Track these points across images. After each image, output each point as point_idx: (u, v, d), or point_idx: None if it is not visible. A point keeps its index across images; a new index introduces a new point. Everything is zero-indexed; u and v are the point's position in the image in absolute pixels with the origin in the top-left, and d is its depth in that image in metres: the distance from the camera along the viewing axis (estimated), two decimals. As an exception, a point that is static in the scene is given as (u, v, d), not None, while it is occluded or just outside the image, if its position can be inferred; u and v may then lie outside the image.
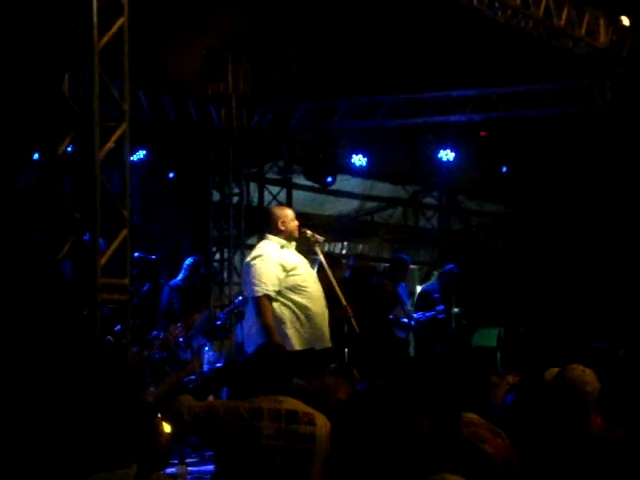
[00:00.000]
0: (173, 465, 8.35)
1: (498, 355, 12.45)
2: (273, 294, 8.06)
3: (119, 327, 7.89)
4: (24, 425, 2.04)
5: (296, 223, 8.42)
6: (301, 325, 8.17)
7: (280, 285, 8.11)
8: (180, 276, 11.85)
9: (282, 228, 8.29)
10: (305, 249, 8.69)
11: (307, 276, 8.33)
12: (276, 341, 7.84)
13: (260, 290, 8.02)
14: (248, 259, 8.43)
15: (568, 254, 16.35)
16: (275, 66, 15.17)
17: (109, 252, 7.34)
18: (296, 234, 8.38)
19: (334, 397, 5.66)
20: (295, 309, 8.16)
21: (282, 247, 8.29)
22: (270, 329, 7.96)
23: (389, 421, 3.43)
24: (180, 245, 14.64)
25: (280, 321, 8.10)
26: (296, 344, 8.05)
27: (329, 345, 8.41)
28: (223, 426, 4.93)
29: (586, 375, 5.21)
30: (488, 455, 3.88)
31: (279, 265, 8.13)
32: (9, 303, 8.34)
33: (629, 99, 12.90)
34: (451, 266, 13.02)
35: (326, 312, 8.39)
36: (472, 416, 4.24)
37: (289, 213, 8.50)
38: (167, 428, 8.15)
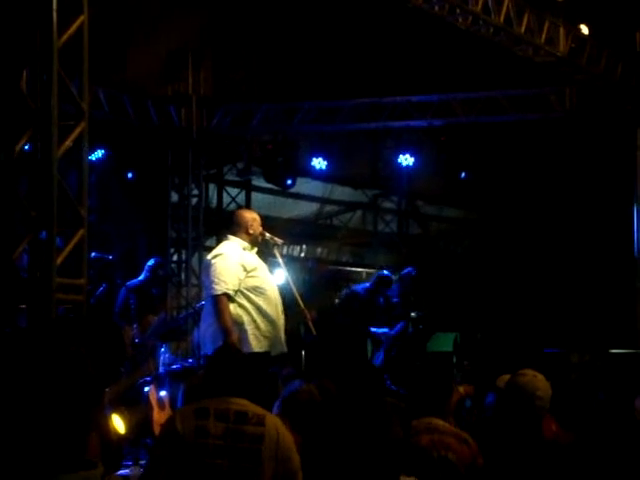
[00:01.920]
0: (127, 467, 8.32)
1: (454, 360, 12.52)
2: (232, 293, 8.06)
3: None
4: None
5: (260, 225, 8.44)
6: (257, 327, 8.16)
7: (239, 285, 8.11)
8: (141, 277, 11.79)
9: (251, 232, 8.31)
10: (264, 251, 8.68)
11: (266, 279, 8.34)
12: (233, 341, 7.83)
13: (219, 289, 8.02)
14: (208, 257, 8.45)
15: (524, 261, 16.47)
16: (236, 67, 15.15)
17: (66, 251, 7.27)
18: (259, 238, 8.39)
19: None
20: (252, 311, 8.16)
21: (244, 249, 8.29)
22: (228, 328, 7.95)
23: (359, 425, 3.43)
24: (136, 246, 14.57)
25: (237, 322, 8.09)
26: (253, 346, 8.04)
27: (285, 349, 8.42)
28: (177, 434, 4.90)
29: (537, 380, 5.24)
30: (451, 462, 3.89)
31: (240, 265, 8.14)
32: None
33: (588, 107, 13.02)
34: (409, 270, 13.08)
35: (282, 316, 8.40)
36: (437, 422, 4.25)
37: (254, 216, 8.52)
38: (120, 429, 8.11)
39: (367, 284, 13.14)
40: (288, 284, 8.73)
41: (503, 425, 5.01)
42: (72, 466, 2.02)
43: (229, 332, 7.94)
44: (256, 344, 8.06)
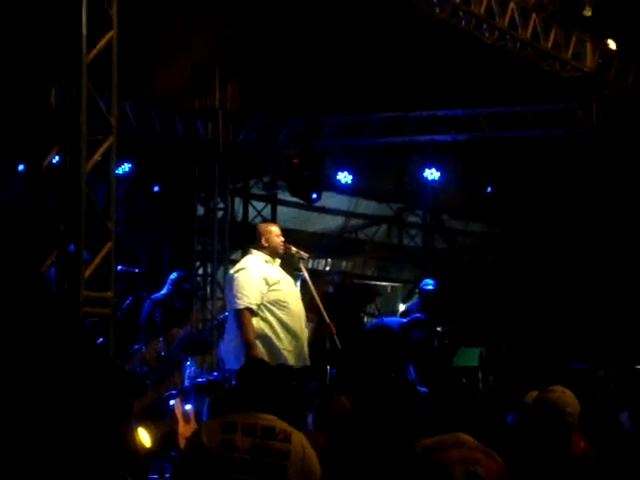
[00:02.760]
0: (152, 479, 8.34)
1: (479, 375, 12.47)
2: (255, 307, 8.07)
3: (101, 340, 7.86)
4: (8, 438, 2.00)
5: (281, 239, 8.45)
6: (280, 341, 8.17)
7: (262, 299, 8.13)
8: (164, 290, 11.82)
9: (265, 244, 8.35)
10: (290, 265, 8.70)
11: (289, 293, 8.35)
12: (255, 355, 7.85)
13: (242, 303, 8.05)
14: (231, 272, 8.50)
15: (550, 275, 16.40)
16: (262, 82, 15.20)
17: (93, 265, 7.32)
18: (280, 250, 8.41)
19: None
20: (275, 324, 8.17)
21: (266, 262, 8.33)
22: (251, 342, 7.96)
23: (380, 443, 3.43)
24: (162, 259, 14.61)
25: (259, 336, 8.10)
26: (274, 360, 8.05)
27: (308, 363, 8.43)
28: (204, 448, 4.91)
29: (567, 397, 5.23)
30: (480, 478, 3.86)
31: (262, 279, 8.16)
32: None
33: (614, 122, 12.97)
34: (431, 283, 13.00)
35: (306, 330, 8.41)
36: (464, 437, 4.23)
37: (274, 229, 8.54)
38: (146, 442, 8.13)
39: (402, 320, 12.87)
40: (313, 298, 8.73)
41: (532, 442, 5.00)
42: (100, 476, 2.01)
43: (252, 346, 7.96)
44: (277, 358, 8.07)
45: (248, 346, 7.95)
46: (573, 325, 14.70)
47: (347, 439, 3.43)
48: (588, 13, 11.27)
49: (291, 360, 8.19)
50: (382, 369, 11.72)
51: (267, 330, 8.15)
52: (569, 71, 11.70)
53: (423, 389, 10.39)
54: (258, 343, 8.06)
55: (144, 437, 8.09)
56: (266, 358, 7.81)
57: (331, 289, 12.60)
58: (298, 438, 4.94)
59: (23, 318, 7.03)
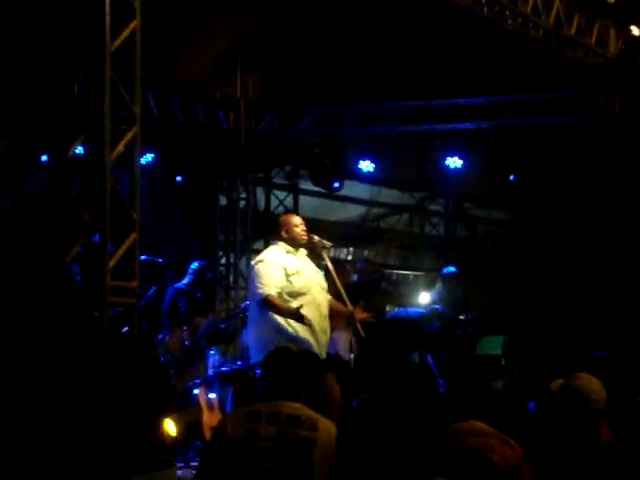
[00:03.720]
0: (179, 468, 8.38)
1: (503, 363, 12.45)
2: (275, 294, 8.12)
3: (126, 329, 7.89)
4: (52, 428, 1.99)
5: (302, 229, 8.47)
6: (295, 331, 8.18)
7: (282, 288, 8.18)
8: (185, 280, 11.85)
9: (285, 235, 8.41)
10: (313, 254, 8.72)
11: (310, 283, 8.37)
12: (301, 316, 7.87)
13: (262, 292, 8.13)
14: (252, 263, 8.57)
15: (573, 263, 16.34)
16: (284, 71, 15.19)
17: (118, 255, 7.35)
18: (301, 241, 8.45)
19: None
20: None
21: (287, 252, 8.37)
22: (289, 312, 7.99)
23: (394, 428, 3.42)
24: (186, 249, 14.65)
25: (274, 327, 8.13)
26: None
27: (324, 354, 8.45)
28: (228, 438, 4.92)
29: (593, 384, 5.22)
30: (495, 465, 3.86)
31: (282, 268, 8.23)
32: (18, 304, 8.34)
33: (638, 109, 12.90)
34: (452, 269, 13.00)
35: (326, 321, 8.42)
36: (480, 425, 4.23)
37: (294, 220, 8.58)
38: (172, 431, 8.16)
39: (421, 311, 12.91)
40: (336, 286, 8.74)
41: (557, 430, 4.99)
42: (146, 466, 2.00)
43: (294, 312, 7.98)
44: (300, 345, 8.08)
45: (291, 315, 7.99)
46: (597, 312, 14.64)
47: (359, 427, 3.43)
48: (611, -1, 11.22)
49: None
50: (399, 358, 11.73)
51: (280, 319, 8.19)
52: (592, 57, 11.65)
53: (441, 381, 10.40)
54: (276, 335, 8.08)
55: (170, 426, 8.13)
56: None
57: (355, 278, 12.59)
58: (325, 426, 4.94)
59: (51, 307, 7.07)
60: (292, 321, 8.17)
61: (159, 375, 2.09)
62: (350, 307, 8.67)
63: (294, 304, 8.18)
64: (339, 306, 8.71)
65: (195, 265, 11.97)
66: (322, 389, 5.72)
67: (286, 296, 8.21)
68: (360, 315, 8.71)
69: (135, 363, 2.05)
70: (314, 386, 5.29)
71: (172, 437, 5.33)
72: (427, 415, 3.81)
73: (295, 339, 8.11)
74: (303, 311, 8.07)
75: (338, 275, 9.02)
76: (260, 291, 8.15)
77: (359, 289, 9.61)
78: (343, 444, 3.46)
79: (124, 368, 2.01)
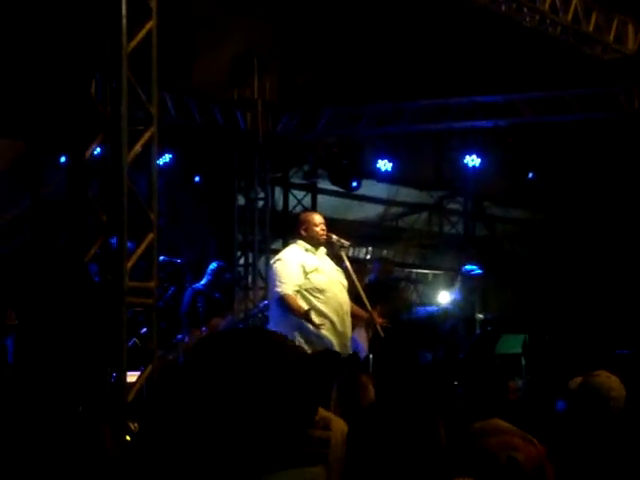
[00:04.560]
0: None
1: (523, 362, 12.40)
2: (293, 293, 8.13)
3: (145, 330, 7.91)
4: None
5: (321, 228, 8.46)
6: (316, 330, 8.18)
7: (300, 286, 8.18)
8: (204, 281, 11.86)
9: (304, 234, 8.42)
10: (331, 254, 8.72)
11: (330, 281, 8.37)
12: (314, 321, 7.86)
13: (280, 290, 8.16)
14: (271, 262, 8.61)
15: (593, 261, 16.27)
16: (301, 71, 15.18)
17: (136, 255, 7.35)
18: (320, 239, 8.45)
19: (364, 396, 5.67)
20: (311, 312, 8.19)
21: (306, 251, 8.37)
22: (302, 314, 8.00)
23: (406, 429, 3.39)
24: (205, 249, 14.66)
25: (296, 325, 8.13)
26: (314, 346, 8.06)
27: (348, 351, 8.44)
28: None
29: (612, 381, 5.19)
30: (519, 463, 3.83)
31: (300, 266, 8.24)
32: (37, 304, 8.37)
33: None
34: (473, 268, 12.95)
35: (347, 319, 8.41)
36: (501, 423, 4.20)
37: (313, 219, 8.57)
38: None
39: (431, 309, 12.93)
40: (355, 286, 8.74)
41: (578, 428, 4.97)
42: (296, 461, 1.94)
43: (305, 315, 8.00)
44: (309, 347, 8.08)
45: (305, 317, 8.01)
46: (617, 311, 14.56)
47: (371, 425, 3.40)
48: (630, -5, 11.15)
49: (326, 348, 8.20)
50: (413, 359, 11.71)
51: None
52: (610, 54, 11.58)
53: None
54: (297, 333, 8.08)
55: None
56: (305, 346, 7.82)
57: (372, 276, 12.57)
58: (339, 425, 4.93)
59: (66, 307, 7.08)
60: (315, 318, 8.17)
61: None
62: (369, 307, 8.69)
63: (314, 301, 8.18)
64: (357, 309, 8.72)
65: (213, 266, 11.98)
66: (356, 388, 5.71)
67: (306, 293, 8.23)
68: (377, 320, 8.72)
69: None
70: (329, 386, 5.27)
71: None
72: (453, 415, 3.79)
73: (316, 337, 8.11)
74: (314, 314, 8.09)
75: (357, 275, 9.01)
76: (278, 289, 8.18)
77: (374, 289, 9.57)
78: (353, 446, 3.43)
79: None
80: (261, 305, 10.83)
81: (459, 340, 12.51)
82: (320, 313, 8.23)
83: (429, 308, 13.09)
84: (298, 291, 8.20)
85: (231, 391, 1.91)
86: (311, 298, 8.23)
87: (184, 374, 1.95)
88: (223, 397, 1.91)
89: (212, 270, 11.92)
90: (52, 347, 7.92)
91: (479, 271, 12.91)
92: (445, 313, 12.50)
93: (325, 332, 8.21)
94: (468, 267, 13.15)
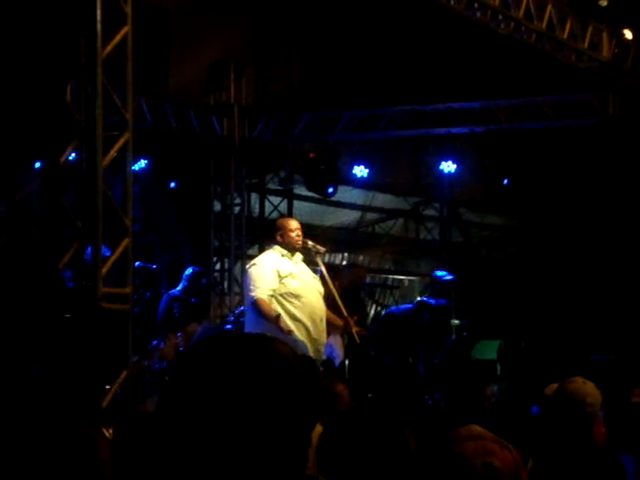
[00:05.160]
0: None
1: (498, 368, 12.44)
2: (267, 298, 8.16)
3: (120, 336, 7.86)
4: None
5: (297, 234, 8.48)
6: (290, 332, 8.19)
7: (274, 291, 8.21)
8: (179, 286, 11.83)
9: (280, 239, 8.46)
10: (307, 260, 8.73)
11: (304, 286, 8.39)
12: (282, 326, 7.91)
13: (254, 295, 8.20)
14: (246, 267, 8.65)
15: (569, 267, 16.34)
16: (277, 76, 15.18)
17: (110, 261, 7.32)
18: (296, 245, 8.47)
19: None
20: (285, 316, 8.23)
21: (282, 256, 8.40)
22: (273, 319, 8.01)
23: (374, 437, 3.38)
24: (181, 255, 14.62)
25: (270, 329, 8.13)
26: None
27: (322, 357, 8.48)
28: None
29: (587, 387, 5.20)
30: (495, 469, 3.85)
31: (274, 271, 8.28)
32: (9, 311, 8.31)
33: (631, 112, 12.90)
34: (444, 273, 12.98)
35: (322, 325, 8.42)
36: (478, 429, 4.21)
37: (289, 224, 8.60)
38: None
39: (407, 306, 12.96)
40: (331, 292, 8.75)
41: (552, 433, 4.98)
42: None
43: (276, 321, 8.01)
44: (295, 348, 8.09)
45: (275, 323, 8.02)
46: (592, 316, 14.63)
47: (345, 430, 3.39)
48: (604, 3, 11.21)
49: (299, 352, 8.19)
50: (385, 366, 11.71)
51: None
52: (585, 61, 11.65)
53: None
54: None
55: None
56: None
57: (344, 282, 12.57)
58: (315, 431, 4.92)
59: (39, 314, 7.03)
60: (288, 322, 8.19)
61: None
62: (345, 313, 8.72)
63: (289, 306, 8.22)
64: (332, 316, 8.73)
65: (189, 271, 11.96)
66: (331, 395, 5.71)
67: (280, 298, 8.26)
68: (352, 327, 8.75)
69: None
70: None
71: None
72: (430, 421, 3.79)
73: (292, 342, 8.11)
74: (287, 319, 8.12)
75: (334, 281, 9.03)
76: (252, 294, 8.24)
77: (344, 296, 9.53)
78: (324, 451, 3.41)
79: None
80: (237, 311, 10.80)
81: (440, 334, 12.49)
82: (294, 318, 8.25)
83: (403, 306, 13.09)
84: (272, 296, 8.23)
85: (241, 397, 1.88)
86: (285, 303, 8.26)
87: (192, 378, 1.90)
88: (231, 403, 1.88)
89: (188, 275, 11.89)
90: (25, 353, 7.87)
91: (450, 277, 12.94)
92: (421, 306, 12.47)
93: (300, 337, 8.22)
94: (439, 272, 13.18)
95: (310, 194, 14.95)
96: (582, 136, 14.39)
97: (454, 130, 13.76)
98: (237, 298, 13.91)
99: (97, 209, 7.21)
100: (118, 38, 7.41)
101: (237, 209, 14.60)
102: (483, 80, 14.04)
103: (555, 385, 5.45)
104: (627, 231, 15.47)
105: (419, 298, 12.95)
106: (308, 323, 8.28)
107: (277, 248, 8.49)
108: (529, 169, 15.63)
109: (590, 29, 11.43)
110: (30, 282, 8.01)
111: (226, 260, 14.59)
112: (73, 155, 7.48)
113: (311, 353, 8.20)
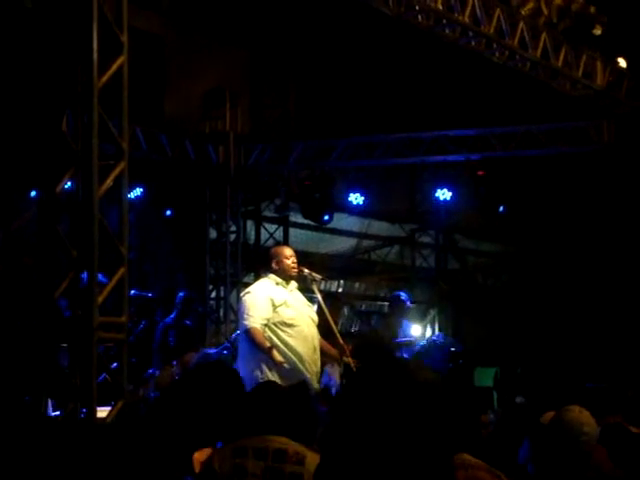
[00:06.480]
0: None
1: (494, 395, 12.41)
2: (260, 327, 8.14)
3: (115, 365, 7.84)
4: None
5: (292, 262, 8.47)
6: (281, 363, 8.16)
7: (268, 320, 8.20)
8: (173, 314, 11.83)
9: (276, 267, 8.43)
10: (303, 287, 8.72)
11: (298, 315, 8.37)
12: (273, 355, 7.90)
13: (248, 323, 8.18)
14: (241, 295, 8.63)
15: (564, 294, 16.34)
16: (273, 105, 15.23)
17: (106, 290, 7.30)
18: (291, 273, 8.45)
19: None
20: (280, 345, 8.20)
21: (277, 284, 8.38)
22: (266, 350, 8.00)
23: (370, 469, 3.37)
24: (176, 283, 14.62)
25: (264, 358, 8.12)
26: (286, 379, 8.03)
27: (316, 386, 8.43)
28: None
29: (583, 416, 5.19)
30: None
31: (268, 300, 8.26)
32: (5, 339, 8.30)
33: (626, 140, 12.94)
34: (401, 294, 12.93)
35: (316, 354, 8.40)
36: (468, 457, 4.19)
37: (284, 252, 8.58)
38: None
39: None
40: (327, 320, 8.73)
41: (550, 463, 4.96)
42: None
43: (269, 351, 8.00)
44: (277, 379, 8.06)
45: (267, 353, 8.01)
46: (588, 344, 14.63)
47: (341, 456, 3.38)
48: (598, 32, 11.28)
49: (291, 381, 8.18)
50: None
51: None
52: (580, 89, 11.70)
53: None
54: (266, 365, 8.09)
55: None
56: (277, 380, 7.81)
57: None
58: (312, 460, 4.89)
59: (36, 343, 7.02)
60: (287, 352, 8.18)
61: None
62: (341, 341, 8.69)
63: (283, 335, 8.20)
64: (326, 345, 8.70)
65: (180, 295, 11.99)
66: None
67: (274, 326, 8.24)
68: (347, 357, 8.71)
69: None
70: (303, 419, 5.24)
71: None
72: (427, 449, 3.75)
73: (288, 371, 8.10)
74: (280, 350, 8.11)
75: (330, 309, 9.01)
76: (246, 322, 8.22)
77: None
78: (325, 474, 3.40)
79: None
80: (232, 337, 10.78)
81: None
82: (288, 347, 8.23)
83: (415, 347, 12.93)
84: (266, 325, 8.20)
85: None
86: (279, 332, 8.23)
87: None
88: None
89: (179, 300, 11.92)
90: (19, 381, 7.85)
91: (405, 296, 12.83)
92: (432, 346, 12.41)
93: (294, 365, 8.20)
94: (398, 293, 13.14)
95: (306, 221, 14.97)
96: (577, 164, 14.44)
97: (450, 157, 13.80)
98: (233, 325, 13.89)
99: (93, 238, 7.20)
100: (114, 68, 7.42)
101: (233, 237, 14.61)
102: (478, 108, 14.10)
103: (551, 414, 5.43)
104: (622, 258, 15.49)
105: (432, 338, 12.83)
106: (302, 351, 8.26)
107: (272, 276, 8.46)
108: (524, 196, 15.66)
109: (584, 57, 11.49)
110: (25, 311, 7.99)
111: (222, 288, 14.58)
112: (69, 184, 7.48)
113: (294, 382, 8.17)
